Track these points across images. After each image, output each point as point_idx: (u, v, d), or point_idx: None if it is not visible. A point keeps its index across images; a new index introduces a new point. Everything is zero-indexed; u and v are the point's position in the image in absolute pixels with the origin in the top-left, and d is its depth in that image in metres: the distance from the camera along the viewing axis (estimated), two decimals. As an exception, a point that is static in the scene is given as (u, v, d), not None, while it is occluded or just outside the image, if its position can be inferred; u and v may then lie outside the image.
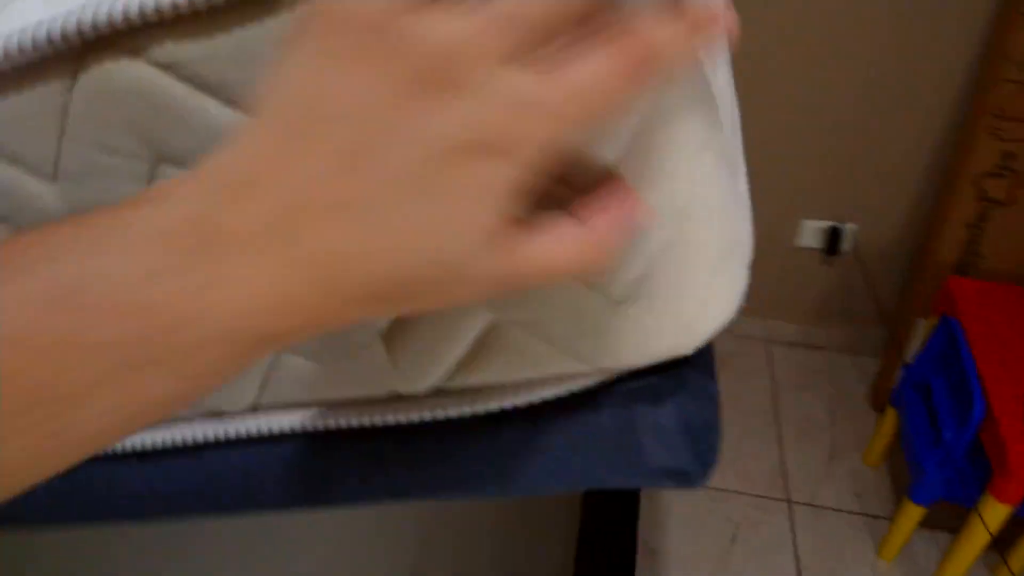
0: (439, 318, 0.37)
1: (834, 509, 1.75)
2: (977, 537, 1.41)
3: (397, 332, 0.38)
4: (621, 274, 0.34)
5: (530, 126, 0.25)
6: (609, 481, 0.41)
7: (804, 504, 1.77)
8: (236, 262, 0.24)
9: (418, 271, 0.26)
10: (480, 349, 0.38)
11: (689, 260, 0.35)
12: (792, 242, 2.05)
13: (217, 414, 0.44)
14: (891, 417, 1.73)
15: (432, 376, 0.39)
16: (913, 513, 1.54)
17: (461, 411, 0.40)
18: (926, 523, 1.69)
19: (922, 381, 1.60)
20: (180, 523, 0.47)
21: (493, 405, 0.39)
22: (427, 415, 0.40)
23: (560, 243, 0.27)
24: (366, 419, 0.41)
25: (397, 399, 0.41)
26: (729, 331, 1.69)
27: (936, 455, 1.45)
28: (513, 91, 0.24)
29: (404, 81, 0.24)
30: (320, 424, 0.42)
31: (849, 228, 1.98)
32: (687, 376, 0.40)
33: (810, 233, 2.02)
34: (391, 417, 0.41)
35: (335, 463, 0.44)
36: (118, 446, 0.44)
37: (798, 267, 2.10)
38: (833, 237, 1.99)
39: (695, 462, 0.40)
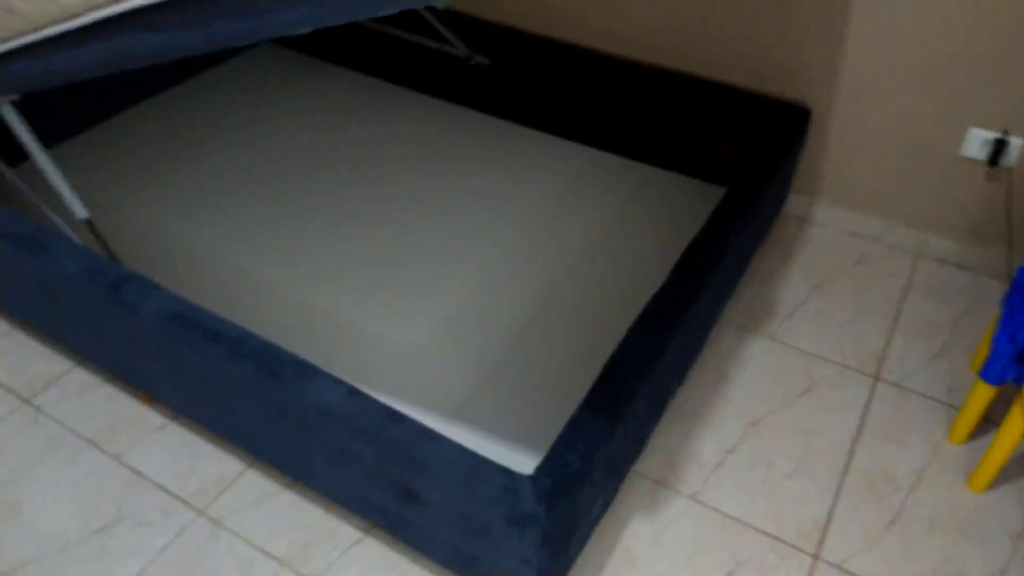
0: None
1: (919, 393, 1.81)
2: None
3: None
4: None
5: None
6: None
7: (890, 383, 1.83)
8: None
9: None
10: None
11: None
12: (955, 151, 2.04)
13: None
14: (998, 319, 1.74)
15: None
16: (983, 393, 1.58)
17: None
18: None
19: (1028, 278, 1.61)
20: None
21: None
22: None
23: None
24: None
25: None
26: (878, 238, 1.92)
27: (1007, 333, 1.48)
28: None
29: None
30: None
31: (1016, 141, 1.94)
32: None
33: (976, 143, 2.00)
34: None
35: None
36: None
37: (959, 179, 2.08)
38: (998, 149, 1.96)
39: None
